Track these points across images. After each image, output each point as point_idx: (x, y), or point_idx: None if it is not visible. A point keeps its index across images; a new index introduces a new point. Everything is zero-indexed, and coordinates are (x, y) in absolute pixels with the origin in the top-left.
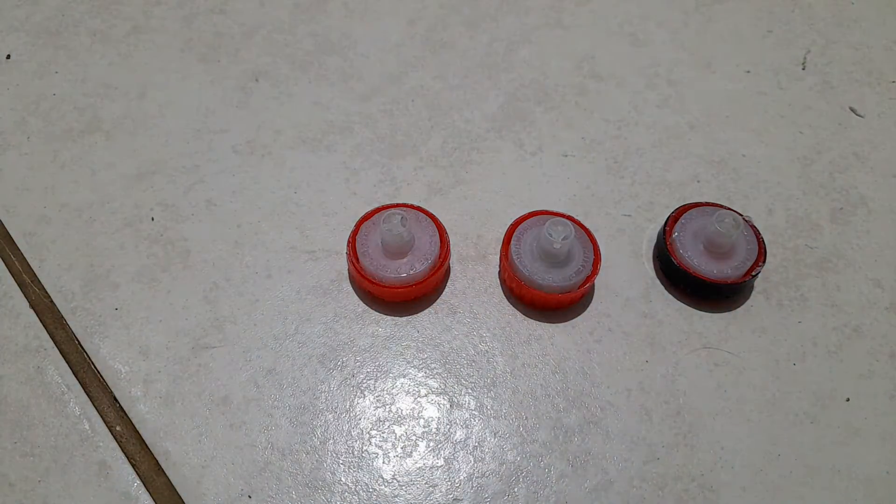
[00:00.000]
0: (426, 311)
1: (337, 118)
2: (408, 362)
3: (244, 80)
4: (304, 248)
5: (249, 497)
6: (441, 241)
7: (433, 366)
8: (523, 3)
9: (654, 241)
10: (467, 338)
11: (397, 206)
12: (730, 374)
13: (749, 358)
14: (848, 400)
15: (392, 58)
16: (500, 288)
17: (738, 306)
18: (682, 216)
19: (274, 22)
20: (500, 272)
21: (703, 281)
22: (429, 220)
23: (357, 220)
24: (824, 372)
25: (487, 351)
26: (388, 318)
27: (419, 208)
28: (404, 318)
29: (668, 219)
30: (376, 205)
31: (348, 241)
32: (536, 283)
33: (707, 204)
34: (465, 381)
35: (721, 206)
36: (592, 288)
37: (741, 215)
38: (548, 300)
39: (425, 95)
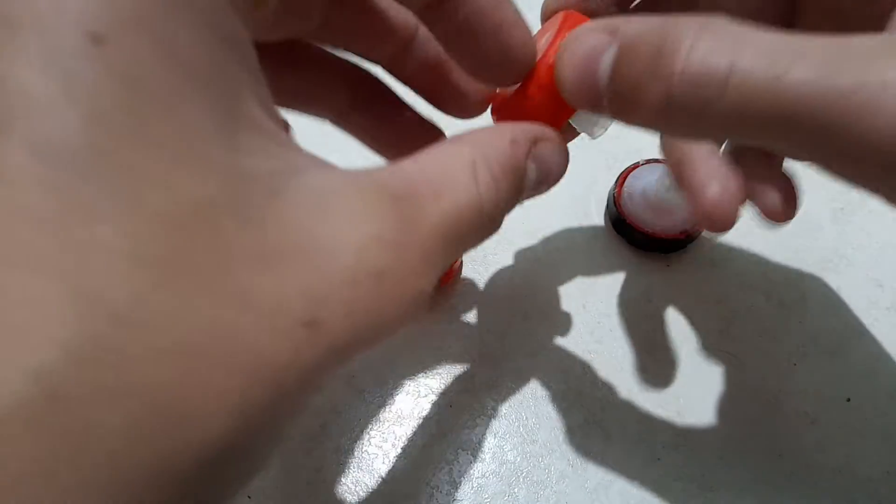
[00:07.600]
0: (427, 311)
1: None
2: (408, 362)
3: None
4: None
5: (249, 497)
6: None
7: (433, 366)
8: (523, 3)
9: None
10: (468, 338)
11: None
12: (730, 373)
13: (749, 358)
14: (848, 400)
15: None
16: (501, 286)
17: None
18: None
19: None
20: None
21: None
22: None
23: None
24: (824, 372)
25: (488, 351)
26: None
27: None
28: None
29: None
30: None
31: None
32: None
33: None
34: (466, 381)
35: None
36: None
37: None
38: None
39: None
